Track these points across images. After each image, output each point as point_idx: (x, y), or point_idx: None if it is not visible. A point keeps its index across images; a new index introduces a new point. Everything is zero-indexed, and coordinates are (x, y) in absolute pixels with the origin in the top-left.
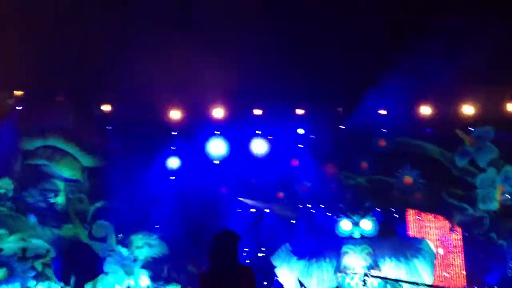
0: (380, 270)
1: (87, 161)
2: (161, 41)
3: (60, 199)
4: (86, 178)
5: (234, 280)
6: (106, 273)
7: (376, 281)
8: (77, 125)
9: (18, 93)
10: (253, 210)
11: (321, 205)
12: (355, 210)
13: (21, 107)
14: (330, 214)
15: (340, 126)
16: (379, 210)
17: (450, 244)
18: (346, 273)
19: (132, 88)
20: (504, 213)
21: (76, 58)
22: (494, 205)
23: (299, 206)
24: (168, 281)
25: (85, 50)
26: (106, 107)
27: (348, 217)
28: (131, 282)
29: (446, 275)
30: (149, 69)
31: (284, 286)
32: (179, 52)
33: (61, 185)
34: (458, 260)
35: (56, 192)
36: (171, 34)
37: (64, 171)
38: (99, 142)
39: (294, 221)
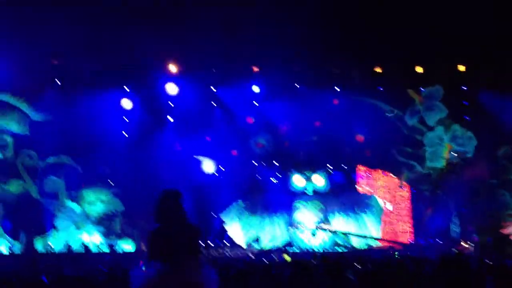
0: (330, 224)
1: (36, 115)
2: None
3: (8, 154)
4: (35, 133)
5: (181, 236)
6: (57, 229)
7: (326, 235)
8: (26, 79)
9: None
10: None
11: (274, 162)
12: (308, 166)
13: None
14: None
15: (296, 85)
16: (331, 166)
17: (398, 200)
18: (297, 228)
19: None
20: (450, 171)
21: None
22: (441, 163)
23: (254, 163)
24: (121, 236)
25: None
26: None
27: (301, 172)
28: (84, 238)
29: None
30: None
31: (234, 241)
32: None
33: (9, 139)
34: (406, 216)
35: (3, 147)
36: None
37: (12, 125)
38: (49, 96)
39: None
